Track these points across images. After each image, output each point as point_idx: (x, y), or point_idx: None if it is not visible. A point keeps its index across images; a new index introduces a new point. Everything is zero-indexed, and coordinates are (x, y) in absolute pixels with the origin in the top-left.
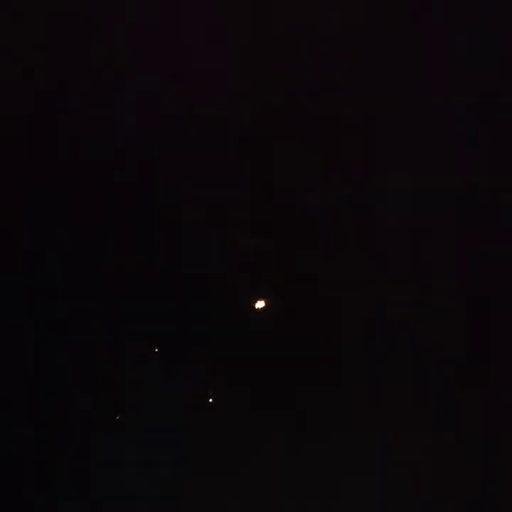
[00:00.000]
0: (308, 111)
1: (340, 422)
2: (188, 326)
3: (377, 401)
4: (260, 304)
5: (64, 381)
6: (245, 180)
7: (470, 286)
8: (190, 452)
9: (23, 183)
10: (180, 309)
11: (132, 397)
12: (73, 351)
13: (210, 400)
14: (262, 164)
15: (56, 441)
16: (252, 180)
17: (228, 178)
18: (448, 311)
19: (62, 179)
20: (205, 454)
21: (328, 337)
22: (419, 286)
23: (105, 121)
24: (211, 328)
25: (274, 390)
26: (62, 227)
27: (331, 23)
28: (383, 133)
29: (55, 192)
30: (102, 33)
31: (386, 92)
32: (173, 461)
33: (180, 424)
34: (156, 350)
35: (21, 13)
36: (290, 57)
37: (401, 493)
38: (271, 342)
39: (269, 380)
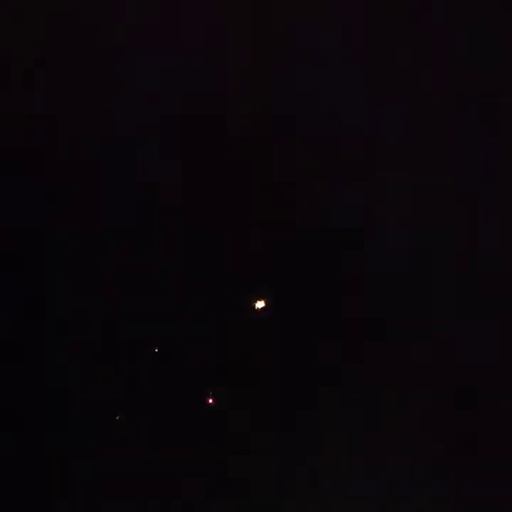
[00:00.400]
0: (308, 111)
1: (340, 422)
2: (188, 326)
3: (377, 401)
4: (260, 304)
5: (64, 381)
6: (245, 180)
7: (469, 287)
8: (189, 452)
9: (23, 183)
10: (180, 309)
11: (132, 397)
12: (73, 351)
13: (210, 401)
14: (262, 164)
15: (56, 440)
16: (252, 180)
17: (228, 178)
18: (448, 311)
19: (63, 179)
20: (205, 454)
21: (328, 337)
22: (418, 285)
23: (105, 121)
24: (211, 328)
25: (273, 390)
26: (62, 226)
27: (331, 23)
28: (383, 133)
29: (55, 191)
30: (102, 33)
31: (386, 92)
32: (172, 460)
33: (180, 424)
34: (156, 350)
35: (21, 13)
36: (290, 58)
37: (400, 493)
38: (271, 342)
39: (268, 379)
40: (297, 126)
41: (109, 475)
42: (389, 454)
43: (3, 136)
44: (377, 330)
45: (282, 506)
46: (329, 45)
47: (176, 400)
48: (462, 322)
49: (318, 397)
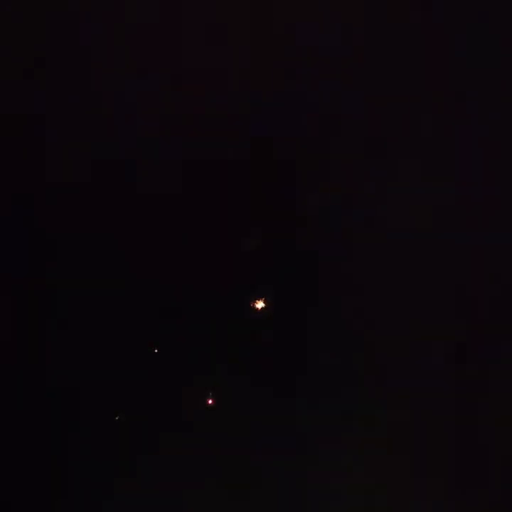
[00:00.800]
0: (308, 111)
1: (340, 422)
2: (188, 326)
3: (377, 400)
4: (260, 304)
5: (64, 381)
6: (245, 180)
7: (469, 288)
8: (189, 452)
9: (22, 183)
10: (180, 309)
11: (132, 397)
12: (74, 351)
13: (210, 401)
14: (263, 164)
15: (56, 440)
16: (252, 180)
17: (228, 178)
18: (448, 311)
19: (63, 178)
20: (205, 454)
21: (327, 336)
22: (418, 285)
23: (105, 121)
24: (211, 329)
25: (273, 390)
26: (63, 225)
27: (331, 23)
28: (383, 133)
29: (56, 191)
30: (102, 33)
31: (386, 92)
32: (172, 460)
33: (180, 424)
34: (156, 350)
35: (21, 13)
36: (290, 58)
37: (399, 493)
38: (271, 342)
39: (268, 379)
40: (297, 126)
41: (109, 475)
42: (388, 455)
43: (3, 136)
44: (377, 330)
45: (282, 506)
46: (329, 45)
47: (176, 400)
48: (461, 320)
49: (317, 397)
